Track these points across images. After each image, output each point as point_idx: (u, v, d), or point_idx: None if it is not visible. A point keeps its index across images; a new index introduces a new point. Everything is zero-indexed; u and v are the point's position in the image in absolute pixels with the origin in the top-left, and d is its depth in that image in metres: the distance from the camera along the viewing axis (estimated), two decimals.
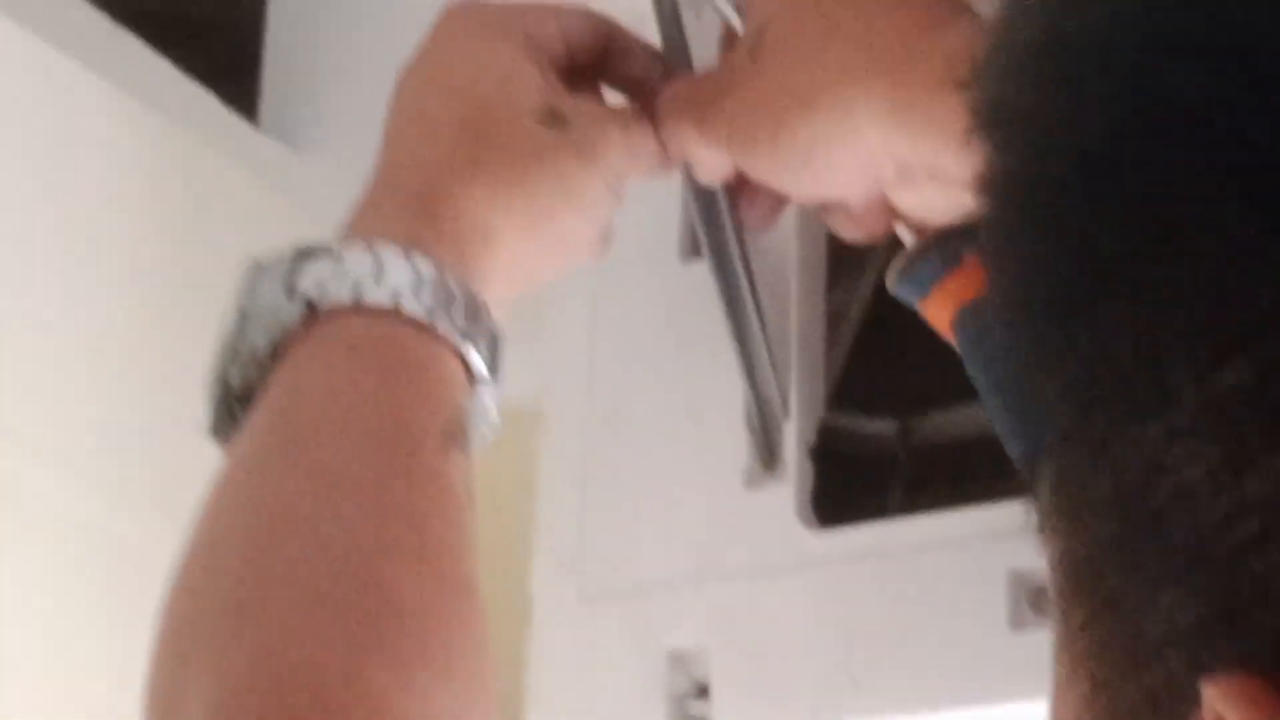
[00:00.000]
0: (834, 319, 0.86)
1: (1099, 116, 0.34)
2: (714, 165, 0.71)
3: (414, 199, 0.69)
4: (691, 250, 0.82)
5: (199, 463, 0.93)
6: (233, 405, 0.65)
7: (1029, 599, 0.74)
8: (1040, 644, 0.71)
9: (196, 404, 0.93)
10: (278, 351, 0.64)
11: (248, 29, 1.10)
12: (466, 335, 0.65)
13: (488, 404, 0.66)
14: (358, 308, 0.64)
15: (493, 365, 0.66)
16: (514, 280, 0.70)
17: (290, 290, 0.64)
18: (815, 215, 0.74)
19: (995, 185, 0.37)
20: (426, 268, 0.65)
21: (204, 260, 0.95)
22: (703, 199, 0.74)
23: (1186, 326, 0.33)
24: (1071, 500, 0.37)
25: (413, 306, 0.64)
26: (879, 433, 0.81)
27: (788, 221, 0.81)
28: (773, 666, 0.76)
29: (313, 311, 0.64)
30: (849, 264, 0.89)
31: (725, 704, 0.76)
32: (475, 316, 0.65)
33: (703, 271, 0.78)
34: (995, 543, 0.74)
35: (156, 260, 0.93)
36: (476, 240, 0.68)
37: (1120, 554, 0.36)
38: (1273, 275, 0.32)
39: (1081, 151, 0.35)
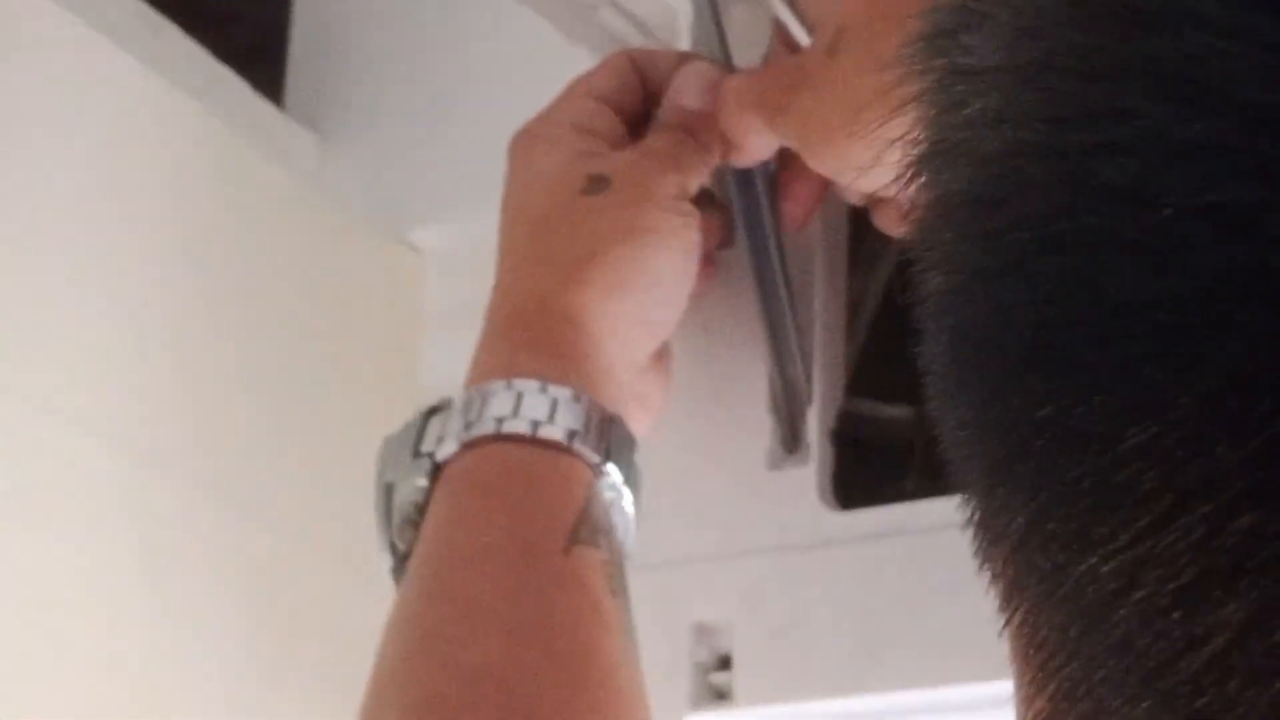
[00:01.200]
0: (851, 308, 0.89)
1: (1050, 289, 0.34)
2: (761, 152, 0.73)
3: (507, 324, 0.72)
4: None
5: (235, 436, 0.96)
6: (404, 568, 0.69)
7: None
8: None
9: (229, 378, 0.96)
10: (422, 507, 0.68)
11: (274, 13, 1.12)
12: (585, 442, 0.68)
13: (617, 496, 0.68)
14: (468, 443, 0.68)
15: (622, 464, 0.69)
16: (636, 340, 0.72)
17: (416, 453, 0.69)
18: (864, 209, 0.76)
19: (937, 330, 0.38)
20: (565, 397, 0.68)
21: (234, 244, 0.97)
22: (743, 187, 0.77)
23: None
24: (1030, 590, 0.37)
25: (521, 427, 0.68)
26: (896, 418, 0.84)
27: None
28: (793, 640, 0.79)
29: (438, 465, 0.68)
30: (866, 254, 0.92)
31: (746, 675, 0.79)
32: (597, 424, 0.68)
33: (730, 258, 0.81)
34: None
35: (189, 242, 0.96)
36: (573, 334, 0.71)
37: (1084, 657, 0.35)
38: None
39: (1034, 320, 0.35)
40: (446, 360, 1.12)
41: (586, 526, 0.66)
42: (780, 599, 0.79)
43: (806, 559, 0.79)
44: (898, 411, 0.84)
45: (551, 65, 1.03)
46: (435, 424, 0.69)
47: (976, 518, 0.39)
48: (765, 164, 0.79)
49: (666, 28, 0.87)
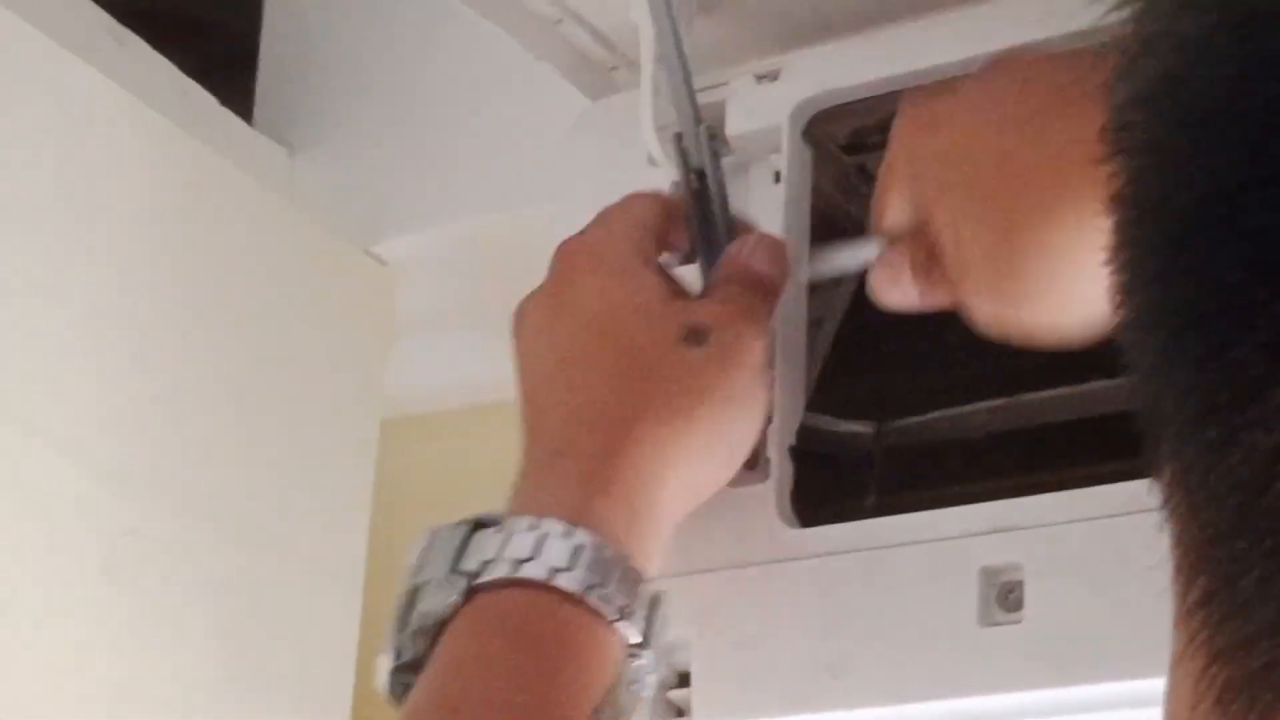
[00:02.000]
0: (814, 324, 0.89)
1: (1226, 156, 0.36)
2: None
3: (590, 459, 0.70)
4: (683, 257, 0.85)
5: (203, 447, 0.96)
6: (405, 674, 0.68)
7: (997, 596, 0.77)
8: (1008, 639, 0.75)
9: (198, 389, 0.97)
10: (443, 623, 0.67)
11: (244, 27, 1.12)
12: (622, 607, 0.67)
13: (644, 672, 0.68)
14: (515, 581, 0.67)
15: (650, 631, 0.69)
16: (688, 502, 0.73)
17: (455, 567, 0.67)
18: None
19: (1127, 209, 0.40)
20: (587, 541, 0.67)
21: (203, 256, 0.97)
22: (697, 206, 0.78)
23: None
24: (1190, 491, 0.39)
25: (567, 582, 0.67)
26: (856, 435, 0.84)
27: (772, 231, 0.85)
28: (752, 657, 0.79)
29: (474, 587, 0.67)
30: None
31: (705, 692, 0.79)
32: (631, 586, 0.68)
33: (692, 274, 0.81)
34: (966, 542, 0.77)
35: (157, 255, 0.96)
36: (651, 488, 0.70)
37: (1236, 541, 0.38)
38: None
39: (1208, 188, 0.37)
40: (413, 368, 1.13)
41: (610, 708, 0.67)
42: (740, 616, 0.79)
43: (766, 576, 0.79)
44: (858, 427, 0.84)
45: (515, 80, 1.04)
46: (481, 541, 0.68)
47: (1145, 409, 0.40)
48: (720, 183, 0.79)
49: (629, 43, 0.88)
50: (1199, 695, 0.39)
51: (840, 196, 0.91)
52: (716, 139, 0.81)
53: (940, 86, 0.76)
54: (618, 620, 0.68)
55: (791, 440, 0.82)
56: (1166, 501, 0.41)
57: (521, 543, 0.67)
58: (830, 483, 0.82)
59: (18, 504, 0.88)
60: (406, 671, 0.68)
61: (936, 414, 0.83)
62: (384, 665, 0.69)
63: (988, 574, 0.76)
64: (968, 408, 0.83)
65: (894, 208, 0.75)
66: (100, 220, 0.94)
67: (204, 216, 0.99)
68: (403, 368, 1.08)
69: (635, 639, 0.68)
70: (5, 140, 0.89)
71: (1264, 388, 0.36)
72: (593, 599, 0.67)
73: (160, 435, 0.94)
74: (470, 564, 0.67)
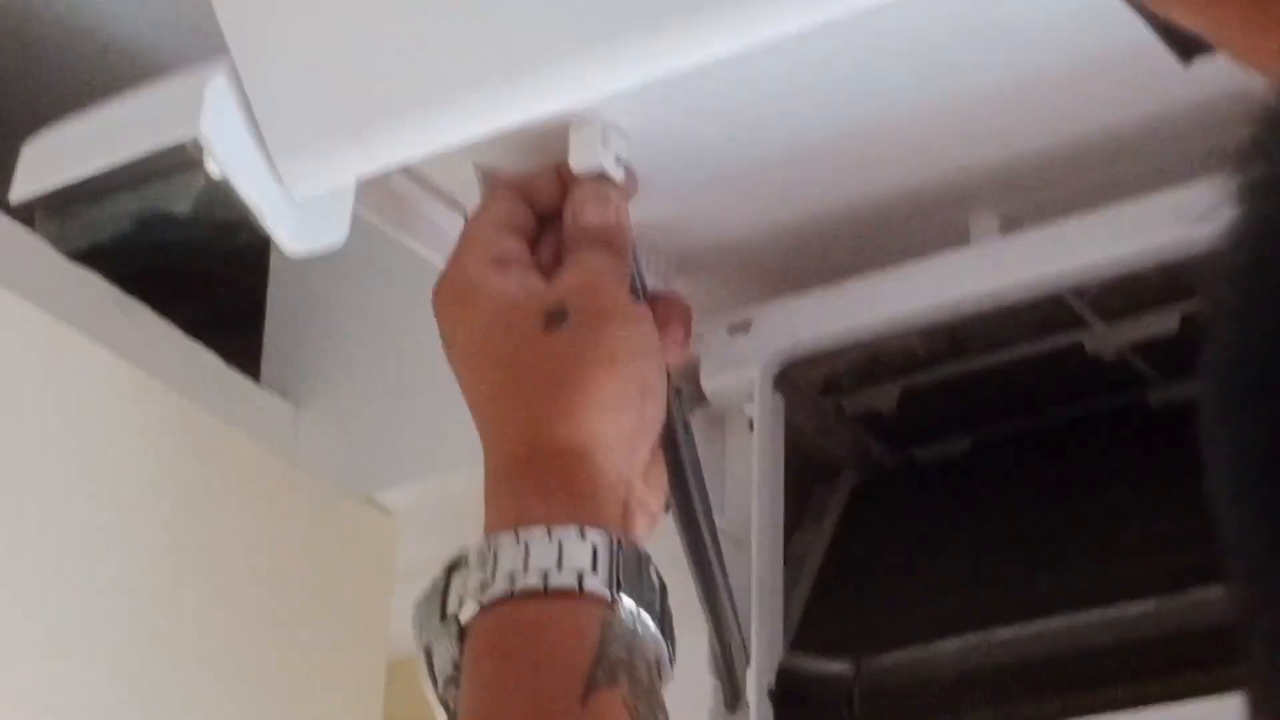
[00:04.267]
0: (798, 561, 0.92)
1: None
2: None
3: (506, 471, 0.74)
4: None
5: (220, 699, 0.99)
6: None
7: None
8: None
9: (209, 645, 0.99)
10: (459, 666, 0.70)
11: (250, 284, 1.16)
12: (595, 579, 0.69)
13: (634, 620, 0.69)
14: (500, 601, 0.69)
15: (615, 579, 0.70)
16: (637, 447, 0.74)
17: (443, 615, 0.71)
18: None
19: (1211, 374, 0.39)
20: (539, 537, 0.70)
21: (211, 518, 1.00)
22: (671, 458, 0.81)
23: None
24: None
25: (529, 581, 0.69)
26: (835, 673, 0.86)
27: (747, 480, 0.88)
28: None
29: (463, 628, 0.70)
30: (814, 507, 0.95)
31: None
32: (606, 556, 0.70)
33: (664, 529, 0.84)
34: None
35: (165, 520, 0.99)
36: (574, 463, 0.72)
37: None
38: None
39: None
40: None
41: (603, 668, 0.68)
42: None
43: None
44: (837, 666, 0.86)
45: None
46: (457, 582, 0.71)
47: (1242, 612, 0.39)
48: (691, 448, 0.82)
49: None
50: None
51: (819, 435, 0.94)
52: (682, 394, 0.83)
53: None
54: (582, 590, 0.69)
55: (771, 682, 0.84)
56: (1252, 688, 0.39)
57: (481, 565, 0.70)
58: None
59: None
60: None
61: (914, 651, 0.85)
62: None
63: None
64: (943, 643, 0.85)
65: None
66: (104, 490, 0.97)
67: (210, 480, 1.02)
68: (407, 611, 1.10)
69: (606, 595, 0.69)
70: (11, 420, 0.93)
71: None
72: (553, 583, 0.69)
73: (169, 691, 0.97)
74: (452, 606, 0.70)
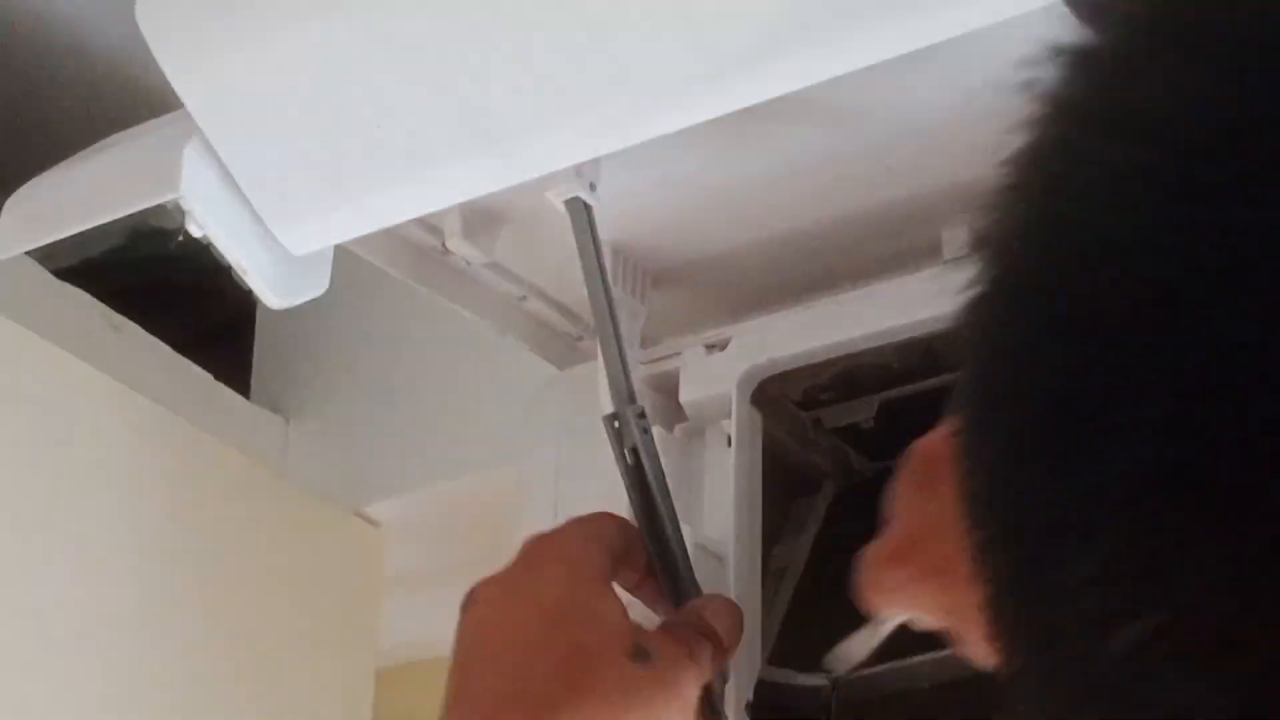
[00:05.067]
0: (776, 575, 0.93)
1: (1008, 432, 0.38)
2: None
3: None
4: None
5: (211, 708, 1.00)
6: None
7: None
8: None
9: (203, 659, 1.00)
10: None
11: (240, 299, 1.17)
12: None
13: None
14: None
15: None
16: None
17: None
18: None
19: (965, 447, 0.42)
20: None
21: (201, 532, 1.02)
22: (634, 481, 0.82)
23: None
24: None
25: None
26: (813, 686, 0.87)
27: (726, 494, 0.89)
28: None
29: None
30: (793, 522, 0.96)
31: None
32: None
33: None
34: None
35: (156, 533, 1.00)
36: None
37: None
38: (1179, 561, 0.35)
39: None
40: (404, 623, 1.17)
41: None
42: None
43: None
44: (815, 680, 0.87)
45: (491, 352, 1.09)
46: None
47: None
48: (654, 459, 0.83)
49: (588, 313, 0.92)
50: None
51: (798, 447, 0.95)
52: (645, 418, 0.84)
53: None
54: None
55: (749, 697, 0.85)
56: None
57: None
58: None
59: None
60: None
61: (890, 666, 0.86)
62: None
63: None
64: (920, 656, 0.86)
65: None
66: (94, 508, 0.98)
67: (200, 494, 1.03)
68: (394, 621, 1.12)
69: None
70: (1, 437, 0.94)
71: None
72: None
73: (167, 700, 0.98)
74: None
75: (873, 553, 0.71)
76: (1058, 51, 0.41)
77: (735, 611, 0.83)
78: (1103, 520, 0.35)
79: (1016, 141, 0.42)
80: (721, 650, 0.82)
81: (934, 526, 0.73)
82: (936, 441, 0.76)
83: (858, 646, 0.83)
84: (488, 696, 0.76)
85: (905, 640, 0.87)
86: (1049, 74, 0.41)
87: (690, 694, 0.79)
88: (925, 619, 0.74)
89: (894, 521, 0.75)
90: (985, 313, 0.40)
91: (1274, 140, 0.35)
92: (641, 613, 0.86)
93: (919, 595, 0.72)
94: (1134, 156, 0.36)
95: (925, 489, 0.75)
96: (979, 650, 0.70)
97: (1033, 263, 0.39)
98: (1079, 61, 0.40)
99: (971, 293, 0.41)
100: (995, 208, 0.41)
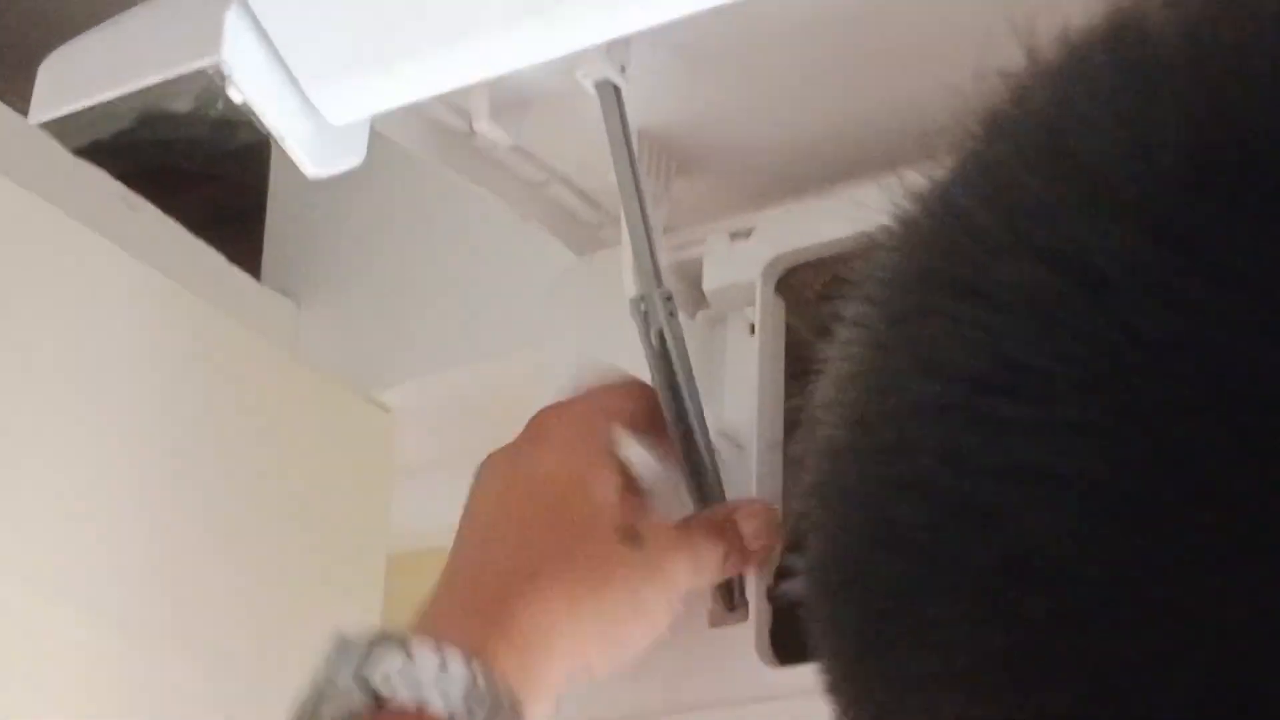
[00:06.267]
0: (795, 461, 0.93)
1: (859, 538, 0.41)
2: None
3: (492, 603, 0.75)
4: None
5: (215, 593, 1.00)
6: None
7: None
8: None
9: (210, 539, 1.01)
10: None
11: (252, 181, 1.17)
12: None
13: None
14: (418, 711, 0.70)
15: None
16: (570, 676, 0.76)
17: (362, 680, 0.70)
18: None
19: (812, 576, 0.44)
20: (484, 678, 0.71)
21: (213, 412, 1.02)
22: (660, 366, 0.82)
23: None
24: None
25: (461, 714, 0.70)
26: None
27: (748, 382, 0.89)
28: None
29: (379, 703, 0.70)
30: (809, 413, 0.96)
31: None
32: None
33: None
34: None
35: (167, 412, 1.00)
36: (540, 647, 0.74)
37: None
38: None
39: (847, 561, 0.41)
40: (415, 510, 1.17)
41: None
42: None
43: (746, 714, 0.83)
44: None
45: (509, 235, 1.09)
46: (387, 661, 0.71)
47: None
48: (680, 344, 0.83)
49: (614, 202, 0.92)
50: None
51: (816, 339, 0.95)
52: (672, 300, 0.85)
53: None
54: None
55: (769, 581, 0.86)
56: None
57: (427, 666, 0.71)
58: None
59: (34, 659, 0.91)
60: None
61: None
62: None
63: None
64: None
65: None
66: (110, 383, 0.98)
67: (212, 373, 1.03)
68: (405, 508, 1.12)
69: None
70: (17, 310, 0.94)
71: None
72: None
73: (173, 584, 0.98)
74: (377, 680, 0.71)
75: None
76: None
77: (769, 515, 0.83)
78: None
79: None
80: (743, 552, 0.82)
81: None
82: None
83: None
84: (471, 565, 0.77)
85: None
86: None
87: (680, 585, 0.79)
88: None
89: None
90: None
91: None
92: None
93: None
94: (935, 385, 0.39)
95: None
96: None
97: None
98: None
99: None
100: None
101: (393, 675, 0.71)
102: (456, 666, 0.71)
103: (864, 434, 0.41)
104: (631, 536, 0.78)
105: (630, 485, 0.80)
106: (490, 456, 0.81)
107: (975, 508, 0.37)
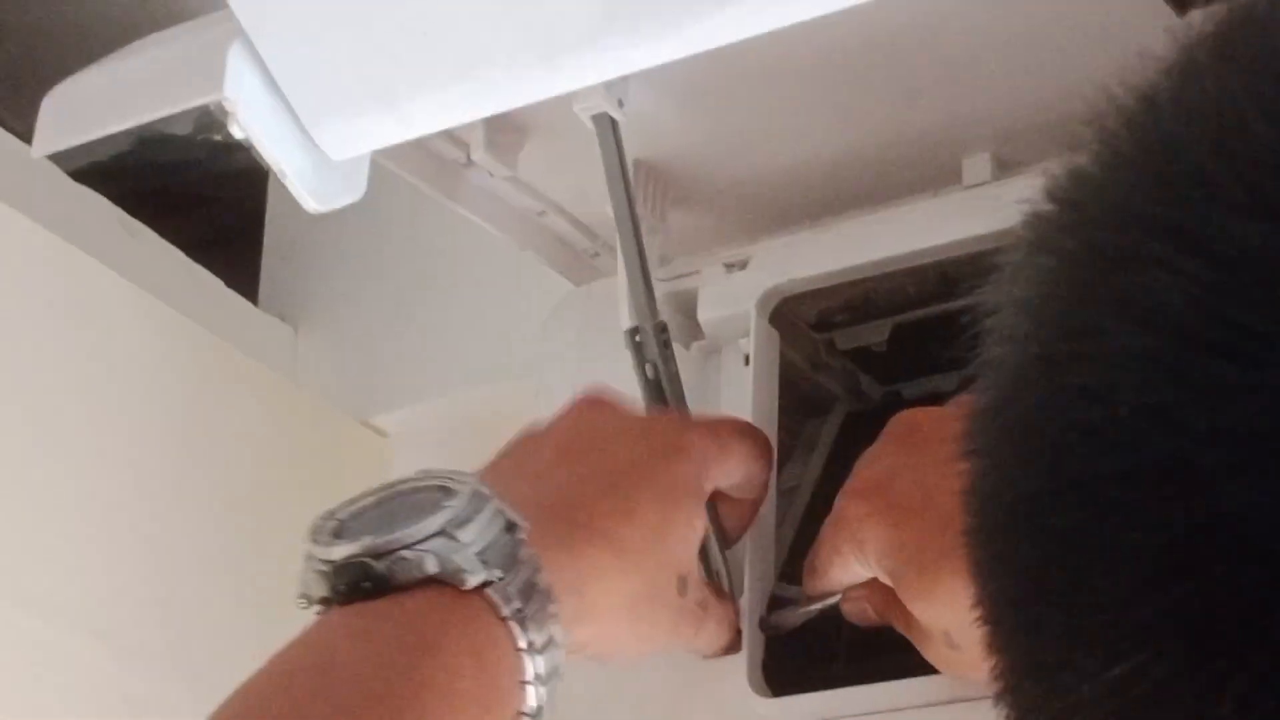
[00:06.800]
0: (788, 493, 0.94)
1: (1035, 466, 0.41)
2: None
3: (571, 513, 0.76)
4: None
5: (206, 626, 1.01)
6: (334, 580, 0.73)
7: None
8: None
9: (206, 565, 1.01)
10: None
11: (250, 205, 1.17)
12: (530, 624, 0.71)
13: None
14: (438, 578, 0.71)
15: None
16: (592, 644, 0.77)
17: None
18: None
19: (972, 505, 0.44)
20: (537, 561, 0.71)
21: (209, 437, 1.02)
22: (653, 398, 0.82)
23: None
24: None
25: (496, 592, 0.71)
26: (825, 605, 0.88)
27: (742, 412, 0.89)
28: None
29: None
30: (805, 440, 0.97)
31: None
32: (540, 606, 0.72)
33: None
34: (930, 711, 0.81)
35: (164, 438, 1.01)
36: (594, 579, 0.75)
37: None
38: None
39: (1021, 490, 0.41)
40: None
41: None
42: None
43: None
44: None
45: (504, 266, 1.09)
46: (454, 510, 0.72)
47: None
48: (673, 377, 0.84)
49: (609, 231, 0.93)
50: None
51: (809, 369, 0.96)
52: (666, 332, 0.86)
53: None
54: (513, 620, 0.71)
55: (762, 612, 0.86)
56: None
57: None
58: (801, 652, 0.86)
59: (33, 679, 0.92)
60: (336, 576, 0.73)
61: None
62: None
63: None
64: None
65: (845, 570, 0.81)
66: (107, 407, 0.98)
67: (209, 398, 1.04)
68: None
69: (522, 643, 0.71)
70: (15, 336, 0.94)
71: (1055, 671, 0.39)
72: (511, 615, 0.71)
73: (170, 607, 0.99)
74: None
75: (842, 490, 0.81)
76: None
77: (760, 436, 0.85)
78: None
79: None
80: (760, 449, 0.83)
81: (894, 474, 0.77)
82: (919, 415, 0.80)
83: (794, 617, 0.84)
84: (561, 486, 0.78)
85: None
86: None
87: (686, 645, 0.81)
88: (869, 565, 0.78)
89: (862, 470, 0.78)
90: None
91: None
92: None
93: (874, 529, 0.76)
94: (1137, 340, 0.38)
95: (899, 450, 0.78)
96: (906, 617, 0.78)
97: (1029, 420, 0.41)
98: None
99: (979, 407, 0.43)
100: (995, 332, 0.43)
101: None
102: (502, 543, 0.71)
103: (1051, 371, 0.40)
104: (683, 585, 0.79)
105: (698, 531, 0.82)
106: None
107: (1174, 466, 0.36)
